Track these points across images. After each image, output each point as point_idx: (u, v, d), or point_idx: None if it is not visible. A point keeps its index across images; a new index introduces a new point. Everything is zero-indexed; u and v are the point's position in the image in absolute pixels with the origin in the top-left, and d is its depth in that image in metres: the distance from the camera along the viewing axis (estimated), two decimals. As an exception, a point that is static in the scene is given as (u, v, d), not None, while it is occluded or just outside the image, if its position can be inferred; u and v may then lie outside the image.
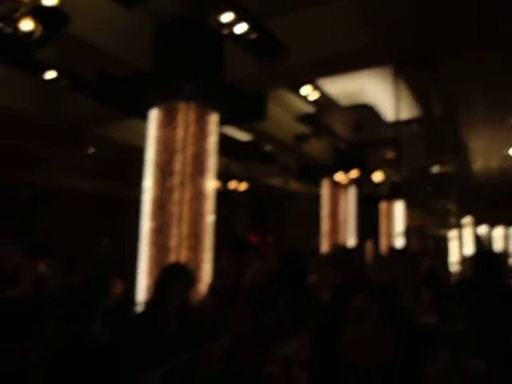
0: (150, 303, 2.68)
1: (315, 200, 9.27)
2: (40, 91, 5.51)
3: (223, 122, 4.76)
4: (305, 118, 6.25)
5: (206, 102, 4.46)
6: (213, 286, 3.76)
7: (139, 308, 3.92)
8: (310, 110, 6.22)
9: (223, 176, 4.67)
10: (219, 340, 2.57)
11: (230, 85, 4.52)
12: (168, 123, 4.37)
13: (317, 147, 7.57)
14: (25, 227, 7.89)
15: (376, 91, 5.76)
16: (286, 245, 11.08)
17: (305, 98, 5.57)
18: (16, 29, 1.87)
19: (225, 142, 4.82)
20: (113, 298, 3.45)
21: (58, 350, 2.25)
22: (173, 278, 2.59)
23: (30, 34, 1.90)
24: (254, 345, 2.49)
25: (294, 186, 10.98)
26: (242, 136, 7.35)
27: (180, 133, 4.32)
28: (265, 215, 12.98)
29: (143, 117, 4.53)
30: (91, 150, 7.76)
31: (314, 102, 5.80)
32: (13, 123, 6.15)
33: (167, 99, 4.37)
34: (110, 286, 3.40)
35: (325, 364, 1.18)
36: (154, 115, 4.45)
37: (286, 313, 2.95)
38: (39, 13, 1.90)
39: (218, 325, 2.79)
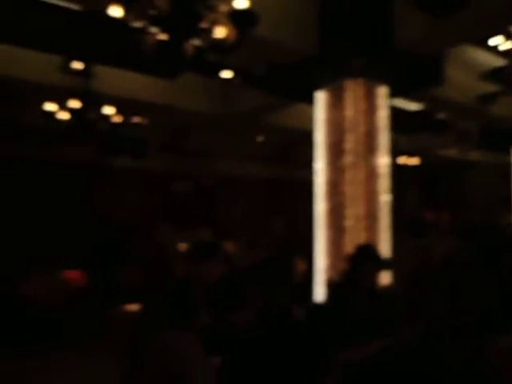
0: (340, 285, 2.71)
1: (500, 170, 7.97)
2: (216, 89, 6.11)
3: (394, 94, 4.45)
4: (492, 74, 5.30)
5: (374, 76, 4.23)
6: (399, 270, 3.60)
7: (322, 288, 4.03)
8: (499, 63, 5.25)
9: (392, 151, 4.38)
10: (409, 326, 2.43)
11: (399, 53, 4.16)
12: (336, 103, 4.31)
13: (507, 107, 6.41)
14: (208, 213, 8.99)
15: None
16: (465, 222, 9.90)
17: (493, 50, 4.72)
18: (211, 39, 2.04)
19: (392, 115, 4.51)
20: (297, 276, 3.63)
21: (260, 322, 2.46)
22: (363, 259, 2.56)
23: (224, 40, 2.07)
24: (455, 333, 2.28)
25: (473, 155, 9.67)
26: (411, 106, 6.77)
27: (349, 111, 4.21)
28: (437, 190, 11.82)
29: (309, 100, 4.57)
30: (260, 138, 8.29)
31: (505, 53, 4.87)
32: (193, 122, 7.02)
33: (333, 79, 4.30)
34: (293, 264, 3.57)
35: None
36: (321, 97, 4.45)
37: (493, 300, 2.62)
38: (234, 17, 2.04)
39: (408, 310, 2.65)
